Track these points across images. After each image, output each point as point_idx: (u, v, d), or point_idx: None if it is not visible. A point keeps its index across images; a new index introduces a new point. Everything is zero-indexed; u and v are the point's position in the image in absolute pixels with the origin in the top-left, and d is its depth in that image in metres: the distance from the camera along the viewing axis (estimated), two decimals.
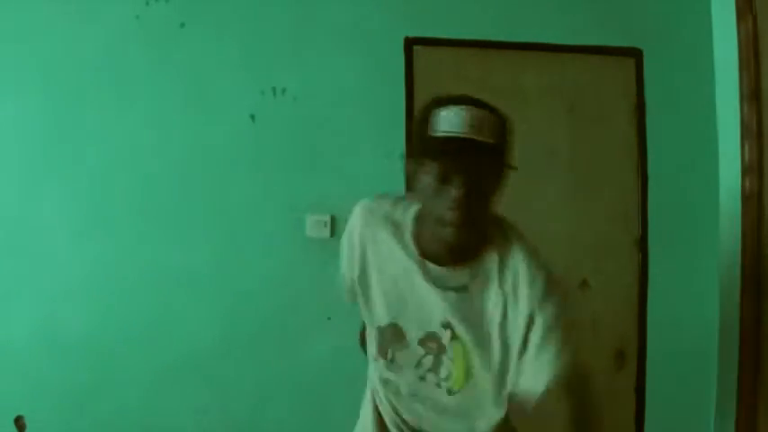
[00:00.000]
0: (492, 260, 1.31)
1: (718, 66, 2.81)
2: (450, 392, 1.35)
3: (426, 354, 1.35)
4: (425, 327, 1.34)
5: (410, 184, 1.31)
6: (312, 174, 2.66)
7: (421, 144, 1.22)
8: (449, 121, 1.18)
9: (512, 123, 1.26)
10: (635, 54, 2.84)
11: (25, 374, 2.53)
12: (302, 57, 2.68)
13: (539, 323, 1.27)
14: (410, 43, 2.71)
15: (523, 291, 1.29)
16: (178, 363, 2.59)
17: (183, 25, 2.63)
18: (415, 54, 2.72)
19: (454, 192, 1.18)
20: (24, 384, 2.53)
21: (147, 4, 2.61)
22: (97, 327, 2.55)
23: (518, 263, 1.30)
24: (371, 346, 1.43)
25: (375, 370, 1.45)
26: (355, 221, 1.43)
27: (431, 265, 1.32)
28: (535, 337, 1.26)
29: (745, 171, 2.59)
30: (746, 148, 2.58)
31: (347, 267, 1.46)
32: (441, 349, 1.33)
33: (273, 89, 2.66)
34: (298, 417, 2.64)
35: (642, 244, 2.83)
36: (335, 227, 2.63)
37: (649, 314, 2.82)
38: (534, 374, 1.26)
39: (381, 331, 1.39)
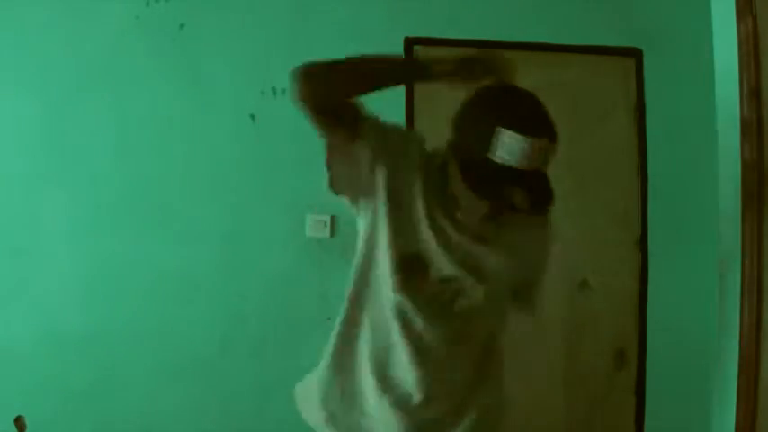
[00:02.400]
0: (513, 225, 1.38)
1: (718, 66, 2.81)
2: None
3: (444, 290, 1.35)
4: (448, 268, 1.33)
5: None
6: (312, 174, 2.64)
7: (478, 165, 1.18)
8: (512, 151, 1.16)
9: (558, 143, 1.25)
10: (635, 54, 2.84)
11: (25, 374, 2.53)
12: (302, 57, 2.66)
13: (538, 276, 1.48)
14: (410, 43, 2.71)
15: (529, 250, 1.43)
16: (178, 362, 2.59)
17: (182, 25, 2.63)
18: (415, 54, 2.72)
19: (487, 211, 1.23)
20: (24, 384, 2.53)
21: (147, 4, 2.62)
22: (97, 327, 2.56)
23: (526, 230, 1.42)
24: (387, 276, 1.34)
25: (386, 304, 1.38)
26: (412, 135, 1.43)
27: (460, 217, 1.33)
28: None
29: (745, 171, 2.59)
30: (746, 147, 2.58)
31: (382, 152, 1.36)
32: (460, 291, 1.35)
33: (273, 89, 2.66)
34: (298, 417, 2.63)
35: (642, 244, 2.83)
36: (335, 227, 2.63)
37: (649, 314, 2.82)
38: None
39: (406, 259, 1.33)
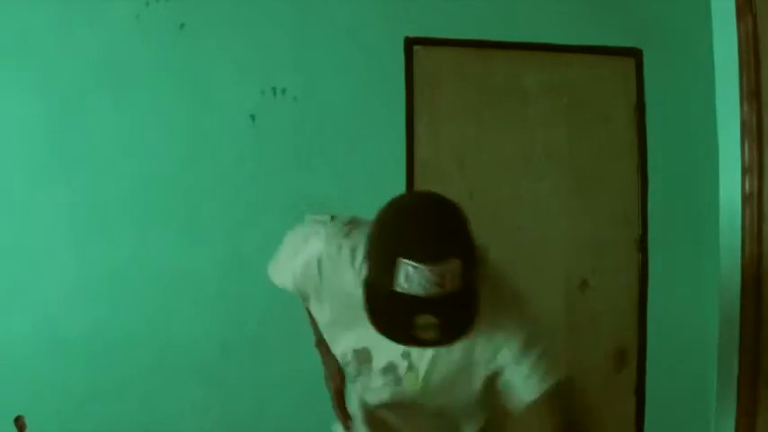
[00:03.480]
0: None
1: (718, 66, 2.81)
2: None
3: (385, 384, 1.36)
4: (388, 355, 1.31)
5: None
6: (312, 174, 2.66)
7: (381, 297, 1.10)
8: (411, 280, 1.05)
9: (483, 251, 1.18)
10: (635, 54, 2.84)
11: (25, 374, 2.53)
12: (302, 57, 2.68)
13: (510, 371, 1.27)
14: (410, 43, 2.71)
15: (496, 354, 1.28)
16: (178, 363, 2.59)
17: (182, 25, 2.63)
18: (415, 54, 2.72)
19: (422, 335, 1.09)
20: (24, 384, 2.53)
21: (147, 4, 2.61)
22: (97, 327, 2.55)
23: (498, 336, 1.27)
24: (347, 359, 1.40)
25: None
26: (317, 248, 1.40)
27: None
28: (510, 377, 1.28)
29: (745, 171, 2.59)
30: (746, 148, 2.58)
31: (305, 286, 1.43)
32: (398, 381, 1.34)
33: (273, 89, 2.66)
34: (297, 417, 2.64)
35: (642, 244, 2.84)
36: None
37: (649, 314, 2.82)
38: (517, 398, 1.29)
39: (356, 352, 1.36)
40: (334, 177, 2.66)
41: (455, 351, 1.26)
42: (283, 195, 2.64)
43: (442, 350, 1.25)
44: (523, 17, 2.78)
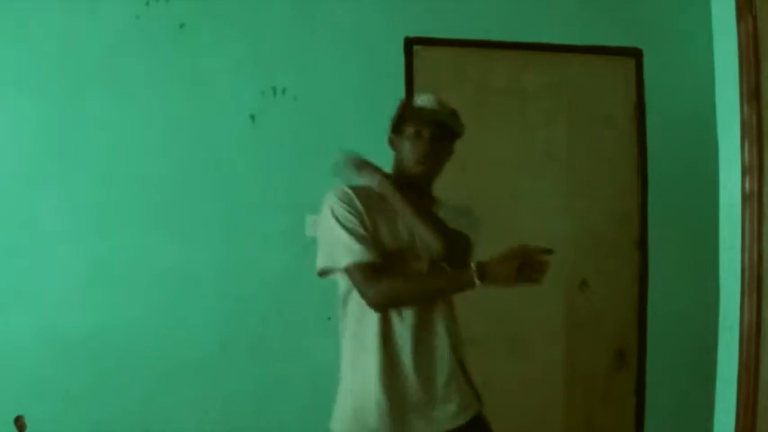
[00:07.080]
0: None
1: (718, 66, 2.81)
2: None
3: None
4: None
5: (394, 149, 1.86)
6: (312, 174, 2.65)
7: (403, 114, 1.79)
8: (423, 99, 1.80)
9: (463, 131, 1.82)
10: (635, 54, 2.84)
11: (25, 374, 2.53)
12: (302, 57, 2.68)
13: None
14: (410, 43, 2.71)
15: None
16: (178, 363, 2.59)
17: (182, 25, 2.63)
18: (415, 54, 2.72)
19: (424, 142, 1.74)
20: (24, 384, 2.53)
21: (147, 4, 2.62)
22: (97, 327, 2.55)
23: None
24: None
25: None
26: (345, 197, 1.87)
27: None
28: None
29: (745, 171, 2.58)
30: (746, 148, 2.58)
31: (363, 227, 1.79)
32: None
33: (273, 89, 2.66)
34: (298, 417, 2.64)
35: (642, 244, 2.84)
36: None
37: (649, 314, 2.82)
38: None
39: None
40: (334, 177, 2.65)
41: None
42: (283, 195, 2.64)
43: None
44: (523, 17, 2.78)
